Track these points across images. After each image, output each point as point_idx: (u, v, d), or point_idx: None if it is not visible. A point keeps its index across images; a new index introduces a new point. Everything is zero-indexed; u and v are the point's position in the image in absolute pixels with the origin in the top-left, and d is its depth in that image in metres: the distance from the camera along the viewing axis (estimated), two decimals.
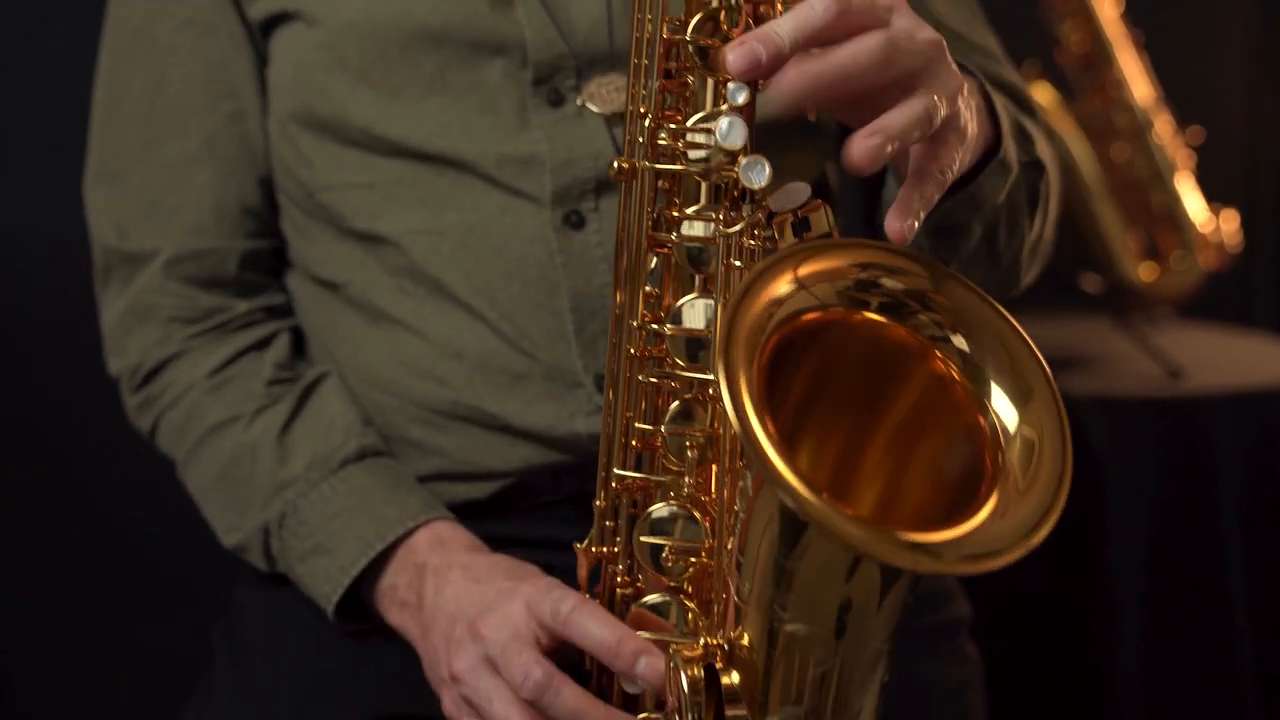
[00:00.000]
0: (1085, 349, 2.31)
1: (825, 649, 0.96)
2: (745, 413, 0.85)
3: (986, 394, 0.93)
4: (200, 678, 1.34)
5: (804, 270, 0.94)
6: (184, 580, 2.08)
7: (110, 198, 1.34)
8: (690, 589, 1.07)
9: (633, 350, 1.05)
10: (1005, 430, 0.92)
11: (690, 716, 0.98)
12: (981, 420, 0.93)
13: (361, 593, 1.25)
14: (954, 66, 0.99)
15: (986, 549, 0.87)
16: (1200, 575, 2.10)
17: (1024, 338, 0.94)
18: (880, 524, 0.88)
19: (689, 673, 0.99)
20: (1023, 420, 0.92)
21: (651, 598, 1.08)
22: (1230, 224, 2.35)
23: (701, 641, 1.01)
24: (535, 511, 1.28)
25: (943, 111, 0.96)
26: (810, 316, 0.93)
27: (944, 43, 0.98)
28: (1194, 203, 2.34)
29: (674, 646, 1.02)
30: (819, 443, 0.97)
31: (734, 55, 0.93)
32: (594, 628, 1.07)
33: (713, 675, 0.99)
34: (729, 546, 1.00)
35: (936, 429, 0.95)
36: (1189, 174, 2.34)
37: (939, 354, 0.94)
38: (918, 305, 0.95)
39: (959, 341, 0.94)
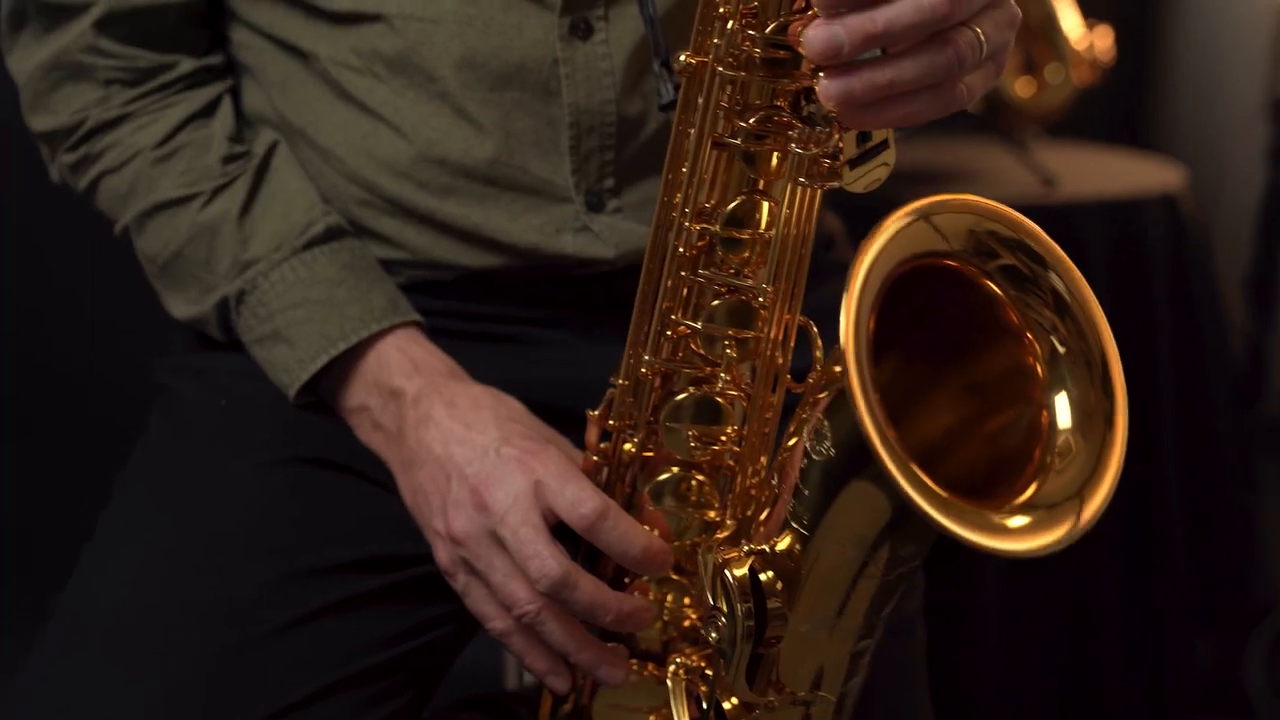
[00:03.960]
0: (967, 163, 2.38)
1: (857, 570, 0.99)
2: (863, 393, 0.87)
3: (1056, 395, 0.95)
4: (135, 450, 1.29)
5: (944, 213, 0.93)
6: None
7: None
8: (704, 465, 1.09)
9: (682, 249, 1.04)
10: (1056, 428, 0.94)
11: (739, 611, 1.00)
12: (1044, 416, 0.95)
13: (322, 392, 1.22)
14: None
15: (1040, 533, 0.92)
16: None
17: (1119, 380, 0.95)
18: (967, 509, 0.91)
19: (735, 573, 1.01)
20: (1074, 429, 0.94)
21: (664, 475, 1.09)
22: (1104, 40, 2.38)
23: (746, 547, 1.02)
24: (504, 294, 1.26)
25: (985, 52, 0.94)
26: (932, 260, 0.93)
27: None
28: (1070, 19, 2.36)
29: (716, 547, 1.04)
30: (894, 372, 0.98)
31: (814, 34, 0.90)
32: (617, 540, 1.08)
33: (754, 574, 1.01)
34: (789, 444, 1.01)
35: (1001, 407, 0.97)
36: None
37: (1033, 342, 0.95)
38: (1039, 292, 0.95)
39: (1056, 343, 0.95)
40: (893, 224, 0.91)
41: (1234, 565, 2.41)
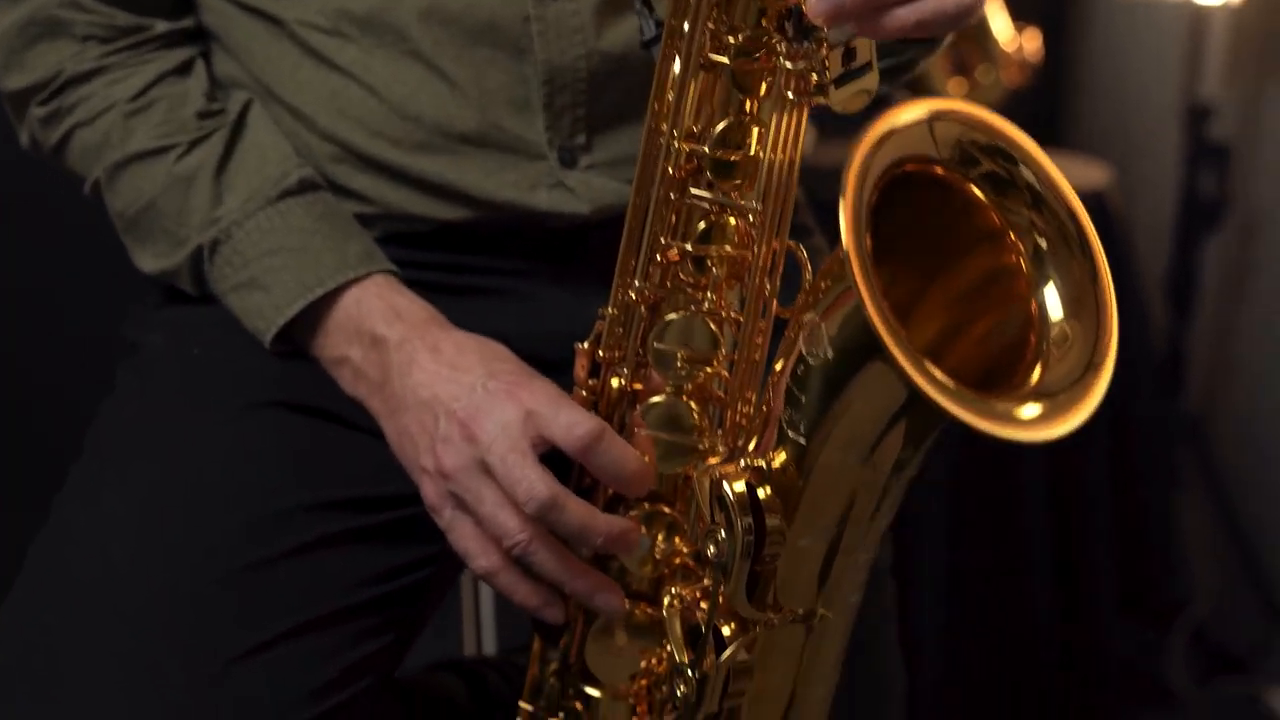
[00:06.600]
0: None
1: (856, 475, 1.00)
2: (866, 283, 0.89)
3: (1043, 288, 0.98)
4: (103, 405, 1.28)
5: (940, 109, 0.95)
6: None
7: None
8: (694, 392, 1.09)
9: (671, 170, 1.05)
10: (1049, 320, 0.97)
11: (739, 525, 1.01)
12: (1033, 306, 0.97)
13: (299, 340, 1.22)
14: None
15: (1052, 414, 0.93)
16: None
17: (1107, 281, 0.98)
18: (975, 398, 0.92)
19: (733, 488, 1.01)
20: (1066, 317, 0.97)
21: (655, 399, 1.09)
22: (1033, 43, 2.44)
23: (742, 463, 1.03)
24: (479, 245, 1.27)
25: None
26: (920, 166, 0.96)
27: None
28: (1000, 21, 2.42)
29: (712, 464, 1.05)
30: (884, 282, 0.99)
31: None
32: (612, 461, 1.09)
33: (751, 490, 1.02)
34: (777, 367, 1.02)
35: (991, 308, 1.00)
36: None
37: (1016, 241, 0.98)
38: (1024, 196, 0.98)
39: (1039, 239, 0.98)
40: (895, 118, 0.94)
41: (1154, 557, 2.46)
